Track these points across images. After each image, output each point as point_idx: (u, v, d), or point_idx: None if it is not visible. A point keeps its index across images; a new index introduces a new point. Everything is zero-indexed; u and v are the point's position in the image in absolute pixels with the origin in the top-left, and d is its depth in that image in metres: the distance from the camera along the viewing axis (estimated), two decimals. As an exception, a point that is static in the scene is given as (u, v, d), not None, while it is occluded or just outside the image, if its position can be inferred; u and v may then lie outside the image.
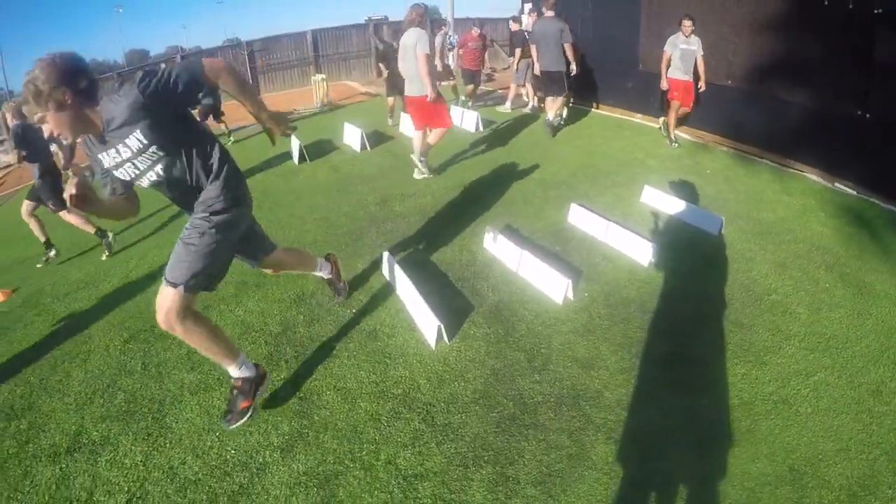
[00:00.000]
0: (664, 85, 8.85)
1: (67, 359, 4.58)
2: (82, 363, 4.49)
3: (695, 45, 8.40)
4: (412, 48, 7.14)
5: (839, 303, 4.65)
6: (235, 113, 9.89)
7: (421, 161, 7.84)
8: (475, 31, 12.95)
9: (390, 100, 11.70)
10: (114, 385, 4.14)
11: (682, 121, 9.30)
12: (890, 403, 3.56)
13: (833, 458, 3.15)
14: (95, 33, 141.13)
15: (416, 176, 7.96)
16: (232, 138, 12.55)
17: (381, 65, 11.80)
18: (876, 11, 6.34)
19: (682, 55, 8.49)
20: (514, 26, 12.84)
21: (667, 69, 8.75)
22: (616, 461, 3.18)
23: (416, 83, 7.34)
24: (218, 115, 11.16)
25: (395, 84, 10.45)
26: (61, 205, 6.82)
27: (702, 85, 8.65)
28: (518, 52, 12.06)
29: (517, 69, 12.26)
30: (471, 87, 13.20)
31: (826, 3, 6.90)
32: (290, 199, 7.74)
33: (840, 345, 4.12)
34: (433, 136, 7.74)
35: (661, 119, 9.74)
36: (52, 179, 6.94)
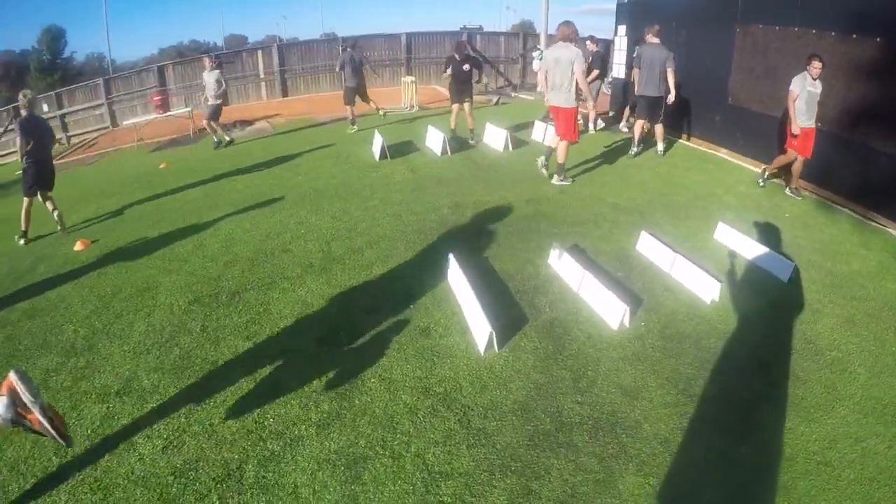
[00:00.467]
0: (796, 129, 7.82)
1: (133, 310, 4.95)
2: (146, 316, 4.84)
3: (819, 89, 7.68)
4: (567, 62, 7.63)
5: (905, 369, 4.47)
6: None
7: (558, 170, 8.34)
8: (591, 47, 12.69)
9: (455, 107, 11.58)
10: (172, 341, 4.45)
11: (796, 171, 8.28)
12: (940, 480, 3.41)
13: (869, 529, 3.05)
14: (197, 15, 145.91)
15: (555, 182, 8.38)
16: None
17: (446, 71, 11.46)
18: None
19: (809, 98, 7.71)
20: (591, 46, 12.70)
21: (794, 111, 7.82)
22: (643, 494, 3.17)
23: (564, 94, 7.83)
24: None
25: (461, 91, 10.95)
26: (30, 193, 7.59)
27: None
28: (595, 72, 12.10)
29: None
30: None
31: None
32: (367, 192, 7.98)
33: (897, 413, 3.97)
34: (561, 149, 8.19)
35: (764, 168, 8.87)
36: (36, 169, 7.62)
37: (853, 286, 5.69)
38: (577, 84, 7.72)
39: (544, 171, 8.59)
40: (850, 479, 3.37)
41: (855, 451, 3.59)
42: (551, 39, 20.05)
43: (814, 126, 7.86)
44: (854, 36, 7.60)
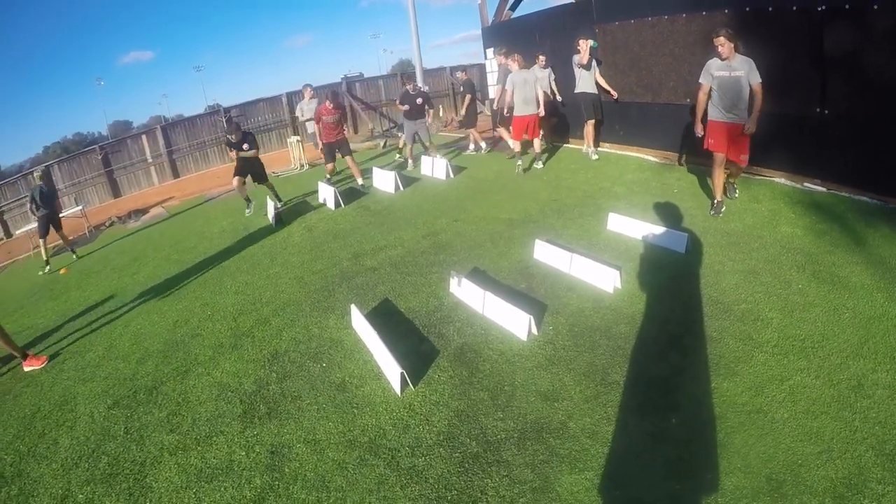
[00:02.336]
0: (699, 130, 6.76)
1: (55, 426, 4.73)
2: (69, 430, 4.62)
3: (741, 70, 6.15)
4: (534, 82, 9.83)
5: (813, 302, 4.52)
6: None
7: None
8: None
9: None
10: (98, 450, 4.26)
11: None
12: (873, 396, 3.41)
13: (814, 462, 2.99)
14: (78, 106, 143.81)
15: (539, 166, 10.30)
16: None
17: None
18: (820, 8, 6.48)
19: (721, 85, 6.38)
20: (461, 76, 13.39)
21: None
22: (582, 491, 3.03)
23: (532, 106, 9.80)
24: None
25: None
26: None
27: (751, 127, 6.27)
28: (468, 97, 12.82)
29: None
30: None
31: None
32: (266, 260, 7.76)
33: (816, 344, 3.97)
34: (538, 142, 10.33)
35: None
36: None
37: (750, 239, 5.79)
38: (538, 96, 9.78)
39: (522, 172, 10.11)
40: (785, 418, 3.33)
41: (783, 391, 3.56)
42: (428, 74, 20.60)
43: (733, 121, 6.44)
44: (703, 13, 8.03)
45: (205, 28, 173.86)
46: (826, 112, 6.64)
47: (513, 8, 13.85)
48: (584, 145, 10.61)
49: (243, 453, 3.85)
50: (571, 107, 11.12)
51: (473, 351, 4.52)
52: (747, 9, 7.28)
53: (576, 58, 9.97)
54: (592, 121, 10.41)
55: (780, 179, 7.45)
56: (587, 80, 10.13)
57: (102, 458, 4.13)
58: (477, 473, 3.29)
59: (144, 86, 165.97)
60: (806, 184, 7.08)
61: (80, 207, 16.05)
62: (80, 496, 3.76)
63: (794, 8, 6.78)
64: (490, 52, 13.78)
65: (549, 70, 11.25)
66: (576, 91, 10.31)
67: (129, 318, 6.79)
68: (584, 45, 9.79)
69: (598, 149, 10.71)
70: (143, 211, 16.25)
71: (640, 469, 3.12)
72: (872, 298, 4.46)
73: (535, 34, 12.13)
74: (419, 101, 11.46)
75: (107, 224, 15.78)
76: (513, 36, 13.07)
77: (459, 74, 13.02)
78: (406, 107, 11.33)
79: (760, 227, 6.07)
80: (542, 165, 10.37)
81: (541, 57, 11.00)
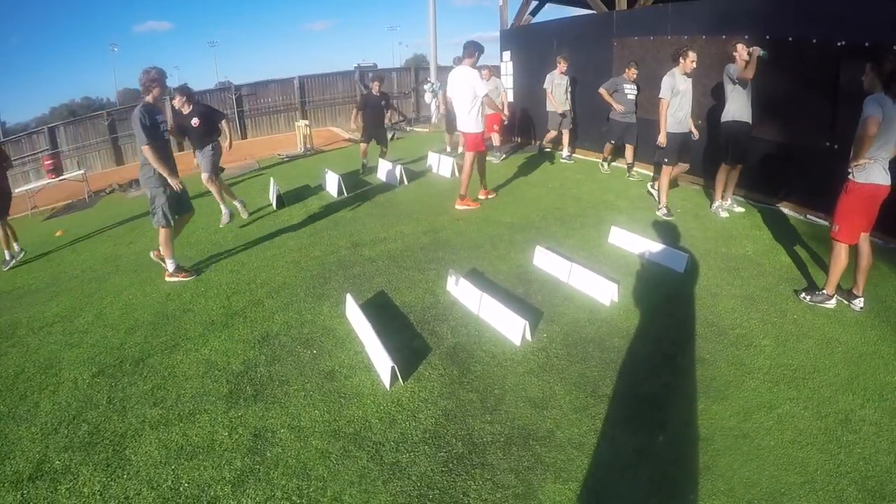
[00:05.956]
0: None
1: (37, 390, 4.66)
2: (51, 394, 4.56)
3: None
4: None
5: (807, 333, 4.55)
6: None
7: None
8: None
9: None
10: (79, 417, 4.20)
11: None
12: (859, 431, 3.43)
13: (797, 491, 3.00)
14: (89, 70, 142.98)
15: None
16: None
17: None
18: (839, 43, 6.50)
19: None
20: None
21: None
22: (565, 501, 3.02)
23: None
24: None
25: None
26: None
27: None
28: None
29: None
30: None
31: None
32: (265, 241, 7.71)
33: (807, 375, 4.00)
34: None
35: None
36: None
37: (749, 265, 5.82)
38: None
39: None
40: (771, 445, 3.35)
41: (770, 418, 3.58)
42: (442, 71, 20.62)
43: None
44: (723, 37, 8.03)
45: (225, 3, 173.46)
46: (836, 147, 6.66)
47: (533, 13, 13.90)
48: (716, 201, 7.58)
49: (226, 433, 3.80)
50: (709, 140, 8.45)
51: (466, 351, 4.51)
52: (767, 37, 7.29)
53: (732, 67, 6.89)
54: (739, 167, 7.39)
55: (785, 209, 7.48)
56: (742, 103, 7.01)
57: (83, 425, 4.08)
58: (461, 474, 3.27)
59: (158, 56, 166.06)
60: (809, 216, 7.11)
61: (82, 171, 16.04)
62: (58, 462, 3.71)
63: (815, 41, 6.81)
64: (507, 54, 13.79)
65: (568, 77, 11.11)
66: (725, 119, 7.17)
67: (122, 287, 6.75)
68: (745, 53, 6.84)
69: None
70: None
71: (625, 484, 3.12)
72: (866, 335, 4.49)
73: (553, 41, 12.16)
74: (383, 103, 11.94)
75: (107, 191, 15.79)
76: (531, 41, 13.14)
77: (485, 72, 12.66)
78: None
79: (760, 254, 6.10)
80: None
81: (562, 62, 10.87)
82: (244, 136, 22.68)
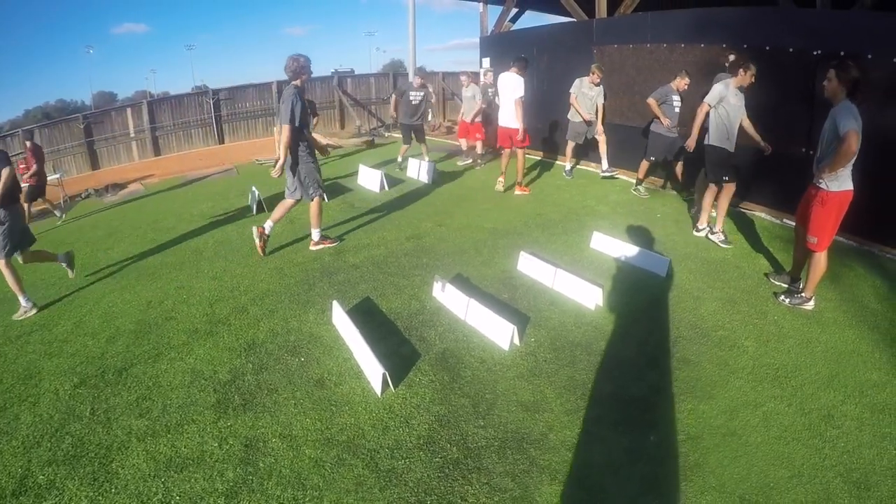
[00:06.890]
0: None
1: (17, 402, 4.53)
2: (31, 406, 4.43)
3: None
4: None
5: (788, 333, 4.68)
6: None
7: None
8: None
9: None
10: (62, 429, 4.09)
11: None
12: (842, 426, 3.55)
13: (785, 485, 3.10)
14: (63, 72, 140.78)
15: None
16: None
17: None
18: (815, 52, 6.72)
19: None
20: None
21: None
22: (561, 502, 3.07)
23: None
24: None
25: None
26: None
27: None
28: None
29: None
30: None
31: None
32: (246, 248, 7.57)
33: (789, 374, 4.12)
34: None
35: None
36: None
37: (729, 269, 5.94)
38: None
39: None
40: (758, 442, 3.44)
41: (756, 416, 3.68)
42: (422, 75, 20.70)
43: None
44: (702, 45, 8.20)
45: (203, 7, 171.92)
46: (811, 153, 6.79)
47: (513, 20, 14.02)
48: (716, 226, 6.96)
49: (216, 444, 3.75)
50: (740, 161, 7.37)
51: (455, 357, 4.53)
52: (745, 45, 7.46)
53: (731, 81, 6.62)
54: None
55: (762, 214, 7.64)
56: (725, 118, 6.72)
57: (66, 438, 3.98)
58: (457, 479, 3.29)
59: (133, 59, 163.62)
60: (786, 220, 7.27)
61: (57, 175, 15.72)
62: (41, 477, 3.61)
63: (791, 50, 6.98)
64: (486, 61, 13.87)
65: (600, 90, 9.98)
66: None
67: (101, 294, 6.63)
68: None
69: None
70: (121, 186, 16.02)
71: (619, 484, 3.17)
72: (844, 334, 4.64)
73: (532, 48, 12.25)
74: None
75: (83, 195, 15.57)
76: (511, 47, 13.16)
77: (464, 78, 12.49)
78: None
79: (740, 257, 6.24)
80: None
81: (596, 72, 9.72)
82: (221, 142, 22.43)
